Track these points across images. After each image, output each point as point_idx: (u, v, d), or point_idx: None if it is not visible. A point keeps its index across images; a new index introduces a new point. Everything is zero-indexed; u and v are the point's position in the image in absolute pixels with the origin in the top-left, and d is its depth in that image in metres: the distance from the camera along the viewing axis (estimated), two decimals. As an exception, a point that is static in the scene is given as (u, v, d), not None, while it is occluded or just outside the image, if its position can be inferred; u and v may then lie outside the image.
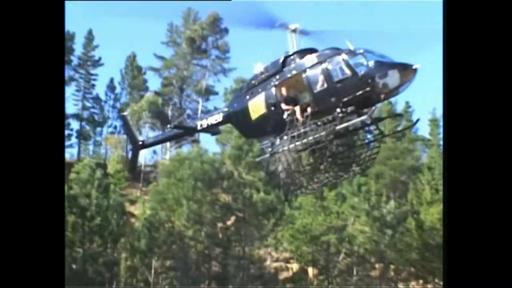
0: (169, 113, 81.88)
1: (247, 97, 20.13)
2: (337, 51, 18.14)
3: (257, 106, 19.56)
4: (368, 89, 17.11)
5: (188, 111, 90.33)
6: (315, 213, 58.05)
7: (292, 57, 19.41)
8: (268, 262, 57.87)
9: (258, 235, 53.13)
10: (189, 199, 49.84)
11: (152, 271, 50.95)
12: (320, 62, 18.26)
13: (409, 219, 58.25)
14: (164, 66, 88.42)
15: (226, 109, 21.57)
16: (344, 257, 57.39)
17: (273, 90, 19.24)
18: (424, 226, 57.49)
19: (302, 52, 19.21)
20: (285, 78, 19.07)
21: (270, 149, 20.85)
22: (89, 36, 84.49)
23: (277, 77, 19.13)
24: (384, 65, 17.11)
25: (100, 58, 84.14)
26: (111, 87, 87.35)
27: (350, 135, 20.60)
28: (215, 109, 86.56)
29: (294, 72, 18.80)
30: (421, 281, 59.90)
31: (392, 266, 57.80)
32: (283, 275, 57.33)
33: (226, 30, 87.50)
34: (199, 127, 22.32)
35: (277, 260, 60.76)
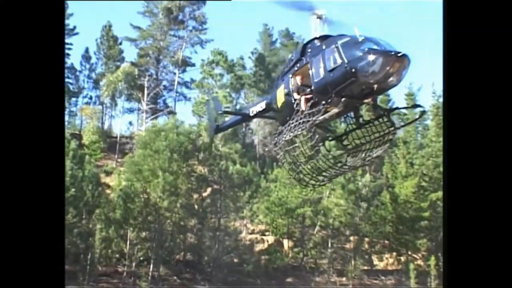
0: (145, 84, 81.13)
1: (278, 85, 20.13)
2: (338, 37, 17.63)
3: (279, 95, 19.62)
4: (353, 79, 16.40)
5: (165, 83, 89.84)
6: (291, 185, 58.21)
7: (309, 44, 19.08)
8: (243, 234, 58.09)
9: (234, 207, 53.27)
10: (165, 170, 49.64)
11: (128, 242, 50.90)
12: (322, 50, 17.93)
13: (384, 192, 58.73)
14: (141, 36, 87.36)
15: (268, 97, 21.62)
16: (319, 229, 57.82)
17: (290, 79, 19.13)
18: (399, 200, 58.04)
19: (319, 39, 18.79)
20: (300, 66, 18.82)
21: (275, 139, 20.60)
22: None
23: (298, 65, 18.93)
24: (370, 53, 16.12)
25: (74, 27, 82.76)
26: (86, 57, 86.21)
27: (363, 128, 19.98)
28: (192, 80, 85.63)
29: (306, 60, 18.51)
30: (394, 254, 60.59)
31: (366, 239, 58.33)
32: (258, 247, 57.61)
33: (203, 1, 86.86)
34: (251, 114, 22.27)
35: (252, 232, 61.02)
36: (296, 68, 18.96)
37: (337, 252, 58.19)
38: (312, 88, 18.16)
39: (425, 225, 59.23)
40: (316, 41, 19.04)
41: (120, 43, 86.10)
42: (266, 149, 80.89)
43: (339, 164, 19.81)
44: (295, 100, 18.77)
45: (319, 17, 19.01)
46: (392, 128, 18.42)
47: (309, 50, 18.98)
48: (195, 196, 52.89)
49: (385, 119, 18.34)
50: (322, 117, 17.90)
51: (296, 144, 19.76)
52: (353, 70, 16.14)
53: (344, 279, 54.62)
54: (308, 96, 18.43)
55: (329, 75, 17.23)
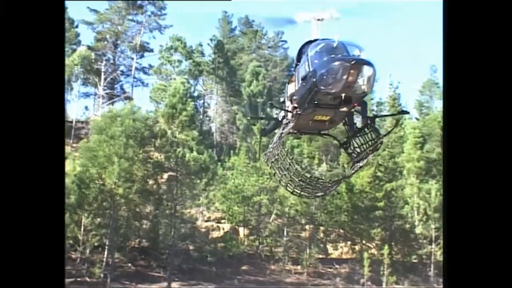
0: (102, 68, 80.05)
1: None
2: (315, 44, 17.00)
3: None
4: (316, 88, 15.64)
5: (122, 68, 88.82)
6: (248, 174, 58.32)
7: (303, 49, 18.33)
8: (199, 222, 57.99)
9: (190, 194, 52.99)
10: (120, 156, 49.05)
11: (82, 228, 50.27)
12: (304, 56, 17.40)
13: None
14: (98, 20, 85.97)
15: None
16: (275, 218, 58.06)
17: (287, 86, 18.99)
18: (354, 189, 58.63)
19: (308, 44, 18.05)
20: (292, 73, 18.47)
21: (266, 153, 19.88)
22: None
23: (294, 71, 18.48)
24: (329, 61, 15.33)
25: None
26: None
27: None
28: (150, 66, 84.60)
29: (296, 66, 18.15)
30: (349, 243, 61.29)
31: (321, 228, 58.81)
32: (214, 234, 57.58)
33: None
34: (279, 119, 20.88)
35: (208, 219, 60.96)
36: (292, 75, 18.58)
37: (293, 241, 58.54)
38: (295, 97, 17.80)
39: (379, 215, 60.05)
40: (306, 45, 18.35)
41: (77, 26, 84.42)
42: (223, 136, 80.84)
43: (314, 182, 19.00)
44: (287, 108, 18.36)
45: (320, 20, 18.55)
46: (376, 137, 17.50)
47: (301, 56, 18.44)
48: (151, 182, 52.48)
49: (370, 128, 17.62)
50: (286, 129, 17.44)
51: (276, 157, 19.18)
52: (314, 79, 15.59)
53: (299, 267, 55.03)
54: (295, 105, 17.92)
55: (302, 84, 16.85)
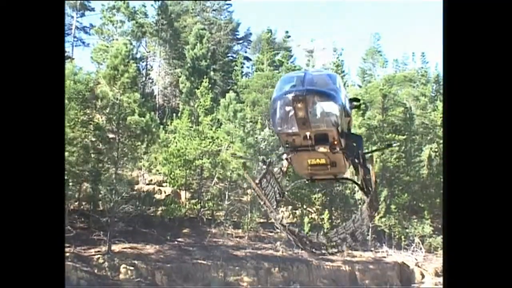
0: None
1: None
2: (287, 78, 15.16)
3: None
4: (276, 131, 14.36)
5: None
6: (190, 137, 58.09)
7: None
8: (140, 185, 57.64)
9: (132, 157, 52.46)
10: (60, 118, 48.01)
11: (19, 191, 49.30)
12: None
13: (282, 148, 59.45)
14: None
15: None
16: (216, 181, 58.14)
17: None
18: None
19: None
20: None
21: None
22: None
23: None
24: (276, 100, 13.78)
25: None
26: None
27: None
28: (91, 26, 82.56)
29: None
30: (290, 207, 62.02)
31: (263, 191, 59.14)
32: (156, 197, 57.39)
33: None
34: None
35: (150, 182, 60.65)
36: None
37: (234, 205, 58.85)
38: None
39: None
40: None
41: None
42: (166, 99, 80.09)
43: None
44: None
45: (310, 52, 17.50)
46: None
47: None
48: (92, 145, 51.68)
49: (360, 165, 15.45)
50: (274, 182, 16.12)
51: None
52: (271, 120, 14.31)
53: (240, 231, 55.48)
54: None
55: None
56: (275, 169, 16.47)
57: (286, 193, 17.18)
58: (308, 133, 13.51)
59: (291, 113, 13.24)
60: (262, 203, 16.55)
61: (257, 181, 15.89)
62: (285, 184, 16.74)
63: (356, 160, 15.22)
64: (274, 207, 16.18)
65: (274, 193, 16.41)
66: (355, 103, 16.08)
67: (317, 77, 14.22)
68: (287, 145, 14.60)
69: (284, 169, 16.12)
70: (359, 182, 16.79)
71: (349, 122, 14.84)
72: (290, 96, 13.12)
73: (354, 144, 15.12)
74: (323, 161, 14.62)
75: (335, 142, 14.00)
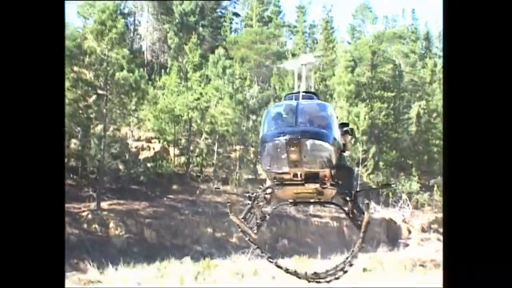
0: None
1: None
2: (277, 105, 14.75)
3: None
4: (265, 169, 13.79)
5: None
6: (179, 93, 57.89)
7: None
8: (129, 141, 57.51)
9: (120, 114, 52.28)
10: (47, 73, 47.52)
11: (7, 147, 49.10)
12: None
13: (271, 103, 59.47)
14: None
15: None
16: (205, 138, 58.11)
17: None
18: (285, 111, 58.99)
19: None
20: None
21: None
22: None
23: None
24: (267, 136, 13.10)
25: None
26: None
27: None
28: None
29: None
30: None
31: (252, 149, 59.34)
32: (144, 154, 57.37)
33: None
34: None
35: (138, 139, 60.55)
36: None
37: (223, 161, 59.02)
38: None
39: (309, 136, 60.88)
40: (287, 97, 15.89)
41: None
42: (154, 55, 79.47)
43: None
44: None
45: (304, 65, 16.93)
46: (359, 214, 14.80)
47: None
48: (80, 102, 51.31)
49: (351, 203, 14.82)
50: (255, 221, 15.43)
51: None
52: (259, 156, 13.69)
53: (228, 187, 55.69)
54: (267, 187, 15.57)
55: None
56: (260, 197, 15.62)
57: (267, 216, 16.21)
58: (299, 173, 13.04)
59: (284, 156, 12.61)
60: (239, 230, 15.77)
61: (241, 216, 15.66)
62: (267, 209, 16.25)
63: (348, 198, 14.74)
64: (255, 231, 15.59)
65: (256, 219, 15.78)
66: (345, 129, 15.72)
67: (308, 107, 13.81)
68: (274, 180, 13.93)
69: (268, 197, 15.25)
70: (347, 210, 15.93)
71: (340, 152, 14.22)
72: (283, 139, 12.47)
73: (345, 178, 14.56)
74: (310, 190, 13.91)
75: (326, 179, 13.64)
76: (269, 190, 14.65)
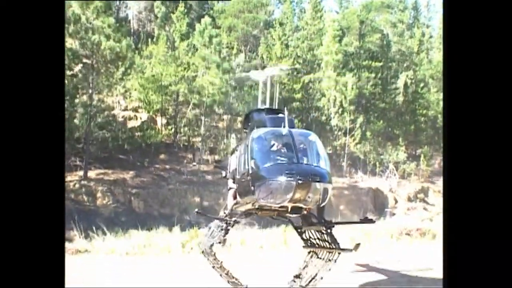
0: None
1: None
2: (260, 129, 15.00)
3: None
4: (253, 196, 13.69)
5: None
6: (166, 63, 57.55)
7: (250, 115, 17.92)
8: (116, 111, 57.28)
9: (107, 83, 51.94)
10: (33, 42, 47.02)
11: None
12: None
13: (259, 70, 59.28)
14: None
15: None
16: (192, 107, 57.96)
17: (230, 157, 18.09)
18: (272, 81, 58.79)
19: (258, 112, 17.05)
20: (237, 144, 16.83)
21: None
22: None
23: None
24: (272, 171, 13.15)
25: None
26: None
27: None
28: None
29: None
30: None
31: (239, 118, 59.31)
32: (131, 124, 57.22)
33: None
34: None
35: (125, 108, 60.31)
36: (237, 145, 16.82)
37: (210, 130, 59.01)
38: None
39: (296, 106, 61.00)
40: (255, 114, 16.66)
41: None
42: (141, 24, 78.74)
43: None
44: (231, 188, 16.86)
45: (270, 76, 17.30)
46: (333, 242, 15.08)
47: (248, 125, 17.12)
48: (66, 71, 50.93)
49: (325, 232, 15.35)
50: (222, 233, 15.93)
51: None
52: (253, 187, 13.41)
53: (216, 156, 55.70)
54: (235, 200, 16.03)
55: (241, 179, 14.55)
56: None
57: (238, 223, 16.76)
58: (289, 205, 13.31)
59: (289, 195, 12.75)
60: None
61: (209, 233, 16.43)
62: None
63: (323, 230, 15.30)
64: (225, 239, 16.16)
65: (223, 230, 16.41)
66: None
67: (299, 139, 14.43)
68: (257, 207, 14.32)
69: (243, 216, 16.16)
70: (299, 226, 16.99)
71: None
72: (293, 181, 12.60)
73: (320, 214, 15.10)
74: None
75: (307, 211, 14.28)
76: (249, 206, 14.88)
